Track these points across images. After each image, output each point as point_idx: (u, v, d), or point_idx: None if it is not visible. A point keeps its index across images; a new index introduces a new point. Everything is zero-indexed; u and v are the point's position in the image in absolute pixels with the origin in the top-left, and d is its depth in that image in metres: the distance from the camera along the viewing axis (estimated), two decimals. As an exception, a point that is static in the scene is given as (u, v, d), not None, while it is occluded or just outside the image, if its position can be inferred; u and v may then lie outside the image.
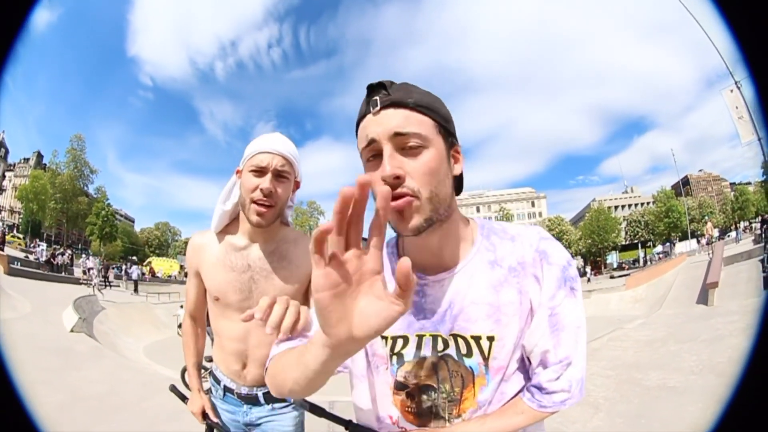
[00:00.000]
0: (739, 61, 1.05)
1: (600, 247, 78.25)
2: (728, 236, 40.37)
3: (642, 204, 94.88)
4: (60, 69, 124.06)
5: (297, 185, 2.16)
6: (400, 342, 1.32)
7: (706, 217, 64.87)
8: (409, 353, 1.31)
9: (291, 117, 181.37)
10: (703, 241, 37.97)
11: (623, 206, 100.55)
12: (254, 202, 1.93)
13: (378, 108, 1.18)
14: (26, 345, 9.87)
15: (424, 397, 1.31)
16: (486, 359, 1.25)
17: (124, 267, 47.04)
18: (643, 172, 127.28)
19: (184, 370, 8.09)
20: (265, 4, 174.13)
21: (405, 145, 1.15)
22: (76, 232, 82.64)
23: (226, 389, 2.32)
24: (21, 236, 57.23)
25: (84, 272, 33.36)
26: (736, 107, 34.49)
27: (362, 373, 1.40)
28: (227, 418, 2.36)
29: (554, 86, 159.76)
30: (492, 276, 1.26)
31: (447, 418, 1.29)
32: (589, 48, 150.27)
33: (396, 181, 1.11)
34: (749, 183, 76.78)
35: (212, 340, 2.48)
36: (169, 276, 60.44)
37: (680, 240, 61.62)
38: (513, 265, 1.26)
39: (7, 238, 39.08)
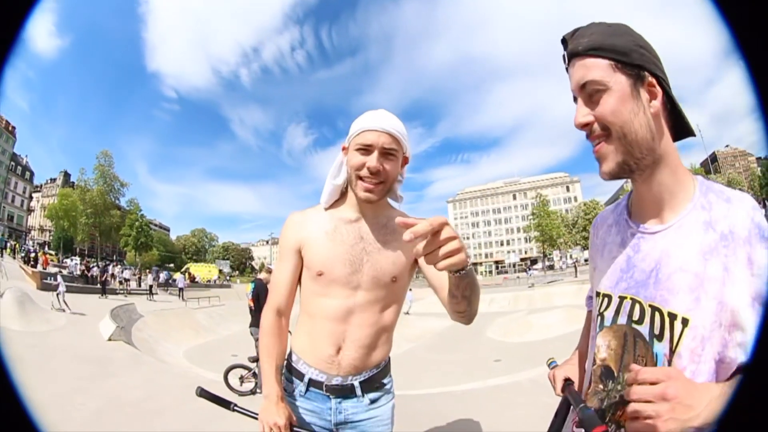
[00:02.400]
0: (735, 52, 1.01)
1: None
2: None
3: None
4: (78, 91, 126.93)
5: (406, 160, 2.06)
6: (605, 301, 1.34)
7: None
8: (608, 316, 1.32)
9: (322, 117, 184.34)
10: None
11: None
12: (361, 178, 1.90)
13: (566, 64, 1.27)
14: (62, 355, 9.89)
15: (600, 386, 1.31)
16: (672, 351, 1.14)
17: (160, 274, 47.54)
18: None
19: (227, 372, 7.98)
20: (283, 8, 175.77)
21: (588, 93, 1.21)
22: (110, 245, 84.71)
23: (311, 383, 2.02)
24: (53, 252, 58.27)
25: (120, 281, 33.96)
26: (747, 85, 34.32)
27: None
28: (309, 419, 2.02)
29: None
30: (704, 240, 1.16)
31: (608, 422, 1.25)
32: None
33: (585, 128, 1.22)
34: None
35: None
36: (209, 281, 61.35)
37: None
38: (725, 232, 1.14)
39: (39, 255, 39.76)
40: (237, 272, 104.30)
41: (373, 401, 2.05)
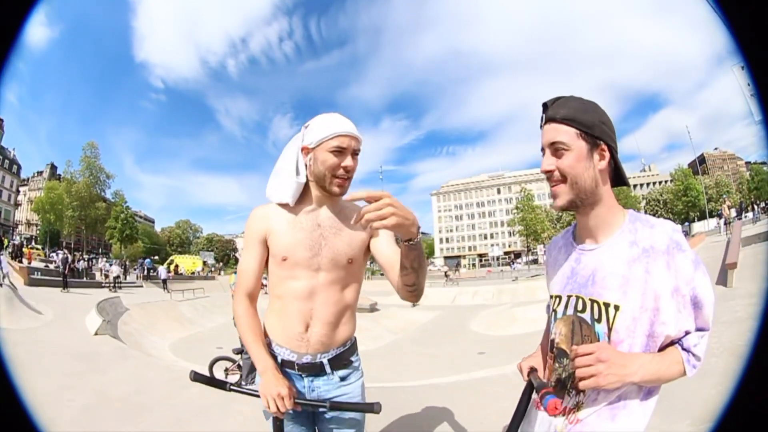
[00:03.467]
0: (735, 50, 1.27)
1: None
2: (745, 216, 40.00)
3: (660, 182, 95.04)
4: (66, 82, 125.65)
5: None
6: (557, 300, 1.82)
7: (724, 197, 64.74)
8: (560, 311, 1.78)
9: (308, 108, 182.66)
10: (721, 221, 37.83)
11: (641, 185, 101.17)
12: (336, 177, 2.15)
13: (542, 123, 1.72)
14: (50, 352, 9.86)
15: (557, 365, 1.76)
16: (609, 329, 1.59)
17: (144, 266, 47.28)
18: (660, 150, 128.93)
19: (212, 364, 8.01)
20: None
21: (555, 149, 1.66)
22: (96, 238, 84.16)
23: (284, 363, 2.23)
24: (39, 247, 57.78)
25: (105, 275, 33.82)
26: (748, 84, 34.21)
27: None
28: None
29: (568, 66, 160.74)
30: (629, 253, 1.60)
31: (569, 390, 1.70)
32: (601, 26, 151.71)
33: (548, 174, 1.68)
34: (764, 162, 76.31)
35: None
36: (193, 273, 60.94)
37: (698, 220, 61.59)
38: (646, 247, 1.58)
39: (25, 250, 39.45)
40: (221, 264, 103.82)
41: (342, 378, 2.28)
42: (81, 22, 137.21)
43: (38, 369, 8.01)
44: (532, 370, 1.96)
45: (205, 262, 77.67)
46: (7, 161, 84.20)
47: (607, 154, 1.64)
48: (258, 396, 1.97)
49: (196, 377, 2.12)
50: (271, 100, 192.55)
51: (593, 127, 1.62)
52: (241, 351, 7.78)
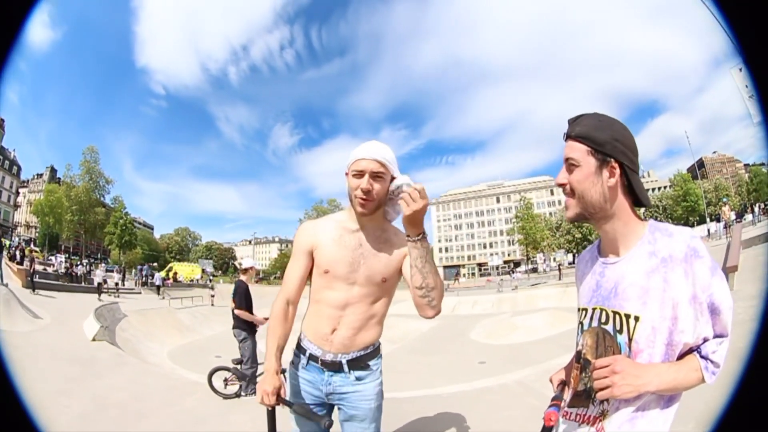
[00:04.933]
0: (735, 50, 1.32)
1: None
2: (745, 218, 39.98)
3: (659, 188, 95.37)
4: (68, 85, 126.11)
5: (393, 179, 2.48)
6: (583, 313, 1.85)
7: (723, 200, 64.77)
8: (586, 323, 1.81)
9: (308, 117, 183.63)
10: (720, 224, 37.68)
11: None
12: (357, 198, 2.38)
13: (565, 139, 1.79)
14: (47, 356, 9.82)
15: (583, 375, 1.78)
16: (630, 339, 1.63)
17: (142, 272, 47.33)
18: (659, 156, 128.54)
19: (211, 374, 7.94)
20: (274, 6, 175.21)
21: (568, 164, 1.75)
22: (94, 243, 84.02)
23: (311, 357, 2.53)
24: (38, 249, 57.68)
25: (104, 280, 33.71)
26: (746, 86, 34.45)
27: None
28: (307, 389, 2.55)
29: (567, 73, 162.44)
30: (648, 264, 1.63)
31: (593, 399, 1.73)
32: (599, 33, 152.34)
33: (562, 186, 1.79)
34: (763, 164, 76.43)
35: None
36: (191, 280, 60.89)
37: (698, 224, 61.58)
38: (665, 257, 1.60)
39: (26, 251, 39.43)
40: (220, 272, 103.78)
41: (358, 378, 2.54)
42: (83, 24, 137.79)
43: (35, 373, 7.94)
44: (562, 383, 2.04)
45: (203, 270, 77.64)
46: (7, 162, 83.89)
47: (617, 171, 1.69)
48: (313, 418, 2.41)
49: (297, 409, 2.40)
50: (272, 108, 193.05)
51: (604, 144, 1.69)
52: (241, 361, 7.71)
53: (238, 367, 7.71)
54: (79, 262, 42.82)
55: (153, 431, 5.85)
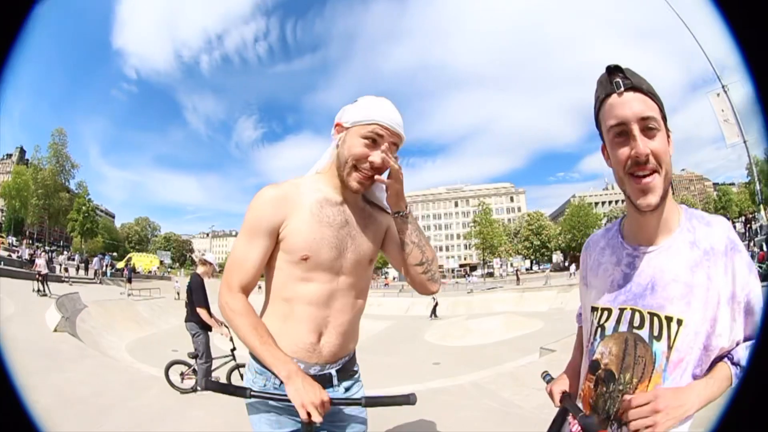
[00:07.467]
0: (739, 62, 1.16)
1: (581, 242, 79.65)
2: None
3: (623, 200, 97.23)
4: (45, 61, 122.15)
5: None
6: (604, 314, 1.56)
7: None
8: (609, 326, 1.53)
9: (273, 111, 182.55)
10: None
11: (603, 203, 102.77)
12: (357, 169, 1.85)
13: (622, 89, 1.38)
14: (10, 347, 9.70)
15: (603, 389, 1.52)
16: (669, 347, 1.41)
17: (103, 262, 46.44)
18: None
19: (168, 368, 7.94)
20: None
21: (646, 126, 1.36)
22: (57, 229, 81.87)
23: None
24: (4, 236, 56.28)
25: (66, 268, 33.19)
26: (722, 110, 35.86)
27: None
28: (283, 418, 1.92)
29: (536, 85, 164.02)
30: (690, 256, 1.43)
31: (612, 421, 1.48)
32: (573, 49, 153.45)
33: (645, 158, 1.34)
34: (732, 184, 78.40)
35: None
36: (150, 272, 60.00)
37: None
38: (707, 249, 1.42)
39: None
40: (177, 264, 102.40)
41: (347, 389, 2.02)
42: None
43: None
44: (566, 396, 1.76)
45: (161, 261, 76.56)
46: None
47: (672, 139, 1.45)
48: (283, 400, 1.71)
49: (209, 385, 1.84)
50: (239, 100, 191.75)
51: (664, 108, 1.43)
52: (196, 356, 7.68)
53: (194, 361, 7.70)
54: (42, 251, 41.84)
55: (115, 426, 5.90)
